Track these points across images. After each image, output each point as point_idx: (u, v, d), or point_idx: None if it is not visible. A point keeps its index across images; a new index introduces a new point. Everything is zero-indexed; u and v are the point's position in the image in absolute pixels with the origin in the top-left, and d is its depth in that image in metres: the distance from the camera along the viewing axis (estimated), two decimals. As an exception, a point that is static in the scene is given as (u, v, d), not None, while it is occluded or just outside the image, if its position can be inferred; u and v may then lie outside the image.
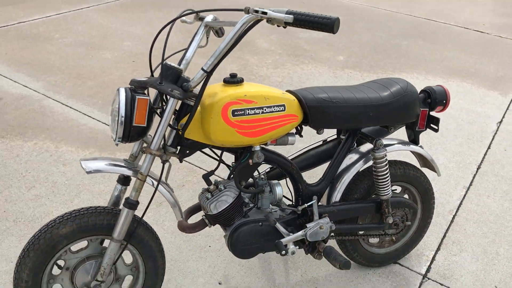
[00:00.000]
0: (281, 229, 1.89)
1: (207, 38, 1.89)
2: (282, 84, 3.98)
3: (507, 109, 3.92)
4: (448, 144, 3.36)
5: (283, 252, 1.86)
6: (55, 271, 1.76)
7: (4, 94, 3.47)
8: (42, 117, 3.23)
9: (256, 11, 1.49)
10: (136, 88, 1.65)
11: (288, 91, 1.91)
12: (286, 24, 1.48)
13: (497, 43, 5.31)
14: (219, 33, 2.01)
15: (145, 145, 1.76)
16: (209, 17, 1.87)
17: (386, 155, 2.00)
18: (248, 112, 1.70)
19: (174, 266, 2.21)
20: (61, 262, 1.75)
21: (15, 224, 2.35)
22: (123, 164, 1.70)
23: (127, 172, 1.68)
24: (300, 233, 1.91)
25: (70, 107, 3.38)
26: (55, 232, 1.65)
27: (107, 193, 2.59)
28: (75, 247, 1.87)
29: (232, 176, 1.86)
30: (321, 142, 2.19)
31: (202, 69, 1.62)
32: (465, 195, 2.85)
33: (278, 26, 1.54)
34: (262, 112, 1.72)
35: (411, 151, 2.13)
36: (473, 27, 5.78)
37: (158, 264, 1.83)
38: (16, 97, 3.45)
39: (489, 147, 3.36)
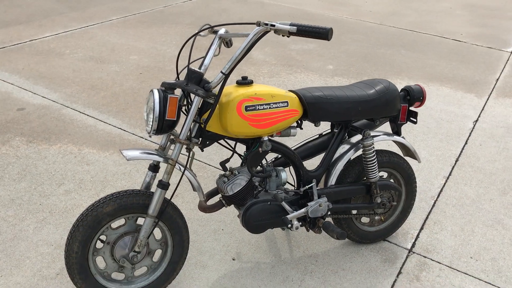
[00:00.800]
0: (287, 207, 2.24)
1: (219, 48, 2.25)
2: (278, 91, 4.34)
3: (482, 109, 4.33)
4: (429, 140, 3.74)
5: (289, 225, 2.21)
6: (98, 245, 2.09)
7: (26, 105, 3.80)
8: (63, 124, 3.56)
9: (266, 24, 1.86)
10: (166, 89, 2.00)
11: (290, 90, 2.27)
12: (290, 34, 1.85)
13: (473, 51, 5.75)
14: (229, 44, 2.37)
15: (172, 137, 2.10)
16: (222, 30, 2.23)
17: (373, 144, 2.36)
18: (258, 108, 2.06)
19: (193, 246, 2.54)
20: (103, 238, 2.06)
21: (51, 215, 2.67)
22: (155, 153, 2.05)
23: (159, 158, 2.02)
24: (302, 210, 2.26)
25: (88, 115, 3.72)
26: (100, 210, 1.98)
27: (128, 187, 2.92)
28: (115, 224, 2.20)
29: (244, 163, 2.21)
30: (317, 136, 2.55)
31: (222, 72, 1.98)
32: (445, 184, 3.22)
33: (283, 36, 1.90)
34: (270, 108, 2.08)
35: (394, 141, 2.50)
36: (451, 36, 6.23)
37: (184, 238, 2.17)
38: (38, 107, 3.78)
39: (466, 143, 3.75)
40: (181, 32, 5.67)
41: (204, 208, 2.26)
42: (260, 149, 2.15)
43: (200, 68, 2.11)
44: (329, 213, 2.40)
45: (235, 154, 2.28)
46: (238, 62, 1.97)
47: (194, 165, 3.18)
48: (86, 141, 3.38)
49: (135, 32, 5.57)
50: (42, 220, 2.63)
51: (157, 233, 2.45)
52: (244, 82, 2.09)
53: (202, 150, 2.15)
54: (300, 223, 2.31)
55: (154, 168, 2.13)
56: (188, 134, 2.06)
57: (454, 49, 5.78)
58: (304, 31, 1.79)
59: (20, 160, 3.12)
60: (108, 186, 2.93)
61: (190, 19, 6.15)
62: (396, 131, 2.53)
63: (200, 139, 2.11)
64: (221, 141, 2.33)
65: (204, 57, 2.16)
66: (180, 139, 1.99)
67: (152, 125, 1.95)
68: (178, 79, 2.08)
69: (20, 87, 4.06)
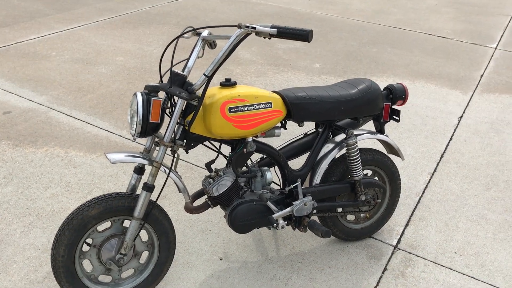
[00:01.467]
0: (272, 206, 2.26)
1: (203, 50, 2.26)
2: (265, 91, 4.37)
3: (467, 105, 4.38)
4: (414, 137, 3.79)
5: (274, 225, 2.23)
6: (85, 248, 2.10)
7: (12, 108, 3.79)
8: (50, 127, 3.56)
9: (247, 26, 1.88)
10: (150, 91, 2.02)
11: (274, 91, 2.29)
12: (271, 36, 1.87)
13: (458, 47, 5.81)
14: (212, 45, 2.39)
15: (157, 139, 2.12)
16: (205, 32, 2.24)
17: (356, 143, 2.39)
18: (242, 109, 2.08)
19: (181, 247, 2.56)
20: (89, 241, 2.08)
21: (38, 219, 2.67)
22: (140, 155, 2.06)
23: (143, 161, 2.04)
24: (288, 209, 2.28)
25: (74, 117, 3.72)
26: (85, 214, 1.99)
27: (115, 190, 2.93)
28: (101, 227, 2.21)
29: (229, 164, 2.23)
30: (302, 135, 2.58)
31: (204, 74, 2.00)
32: (430, 180, 3.27)
33: (264, 38, 1.93)
34: (253, 109, 2.10)
35: (378, 140, 2.53)
36: (437, 33, 6.28)
37: (170, 239, 2.18)
38: (24, 110, 3.77)
39: (451, 139, 3.80)
40: (168, 32, 5.67)
41: (190, 209, 2.28)
42: (244, 150, 2.18)
43: (183, 70, 2.12)
44: (314, 211, 2.43)
45: (220, 155, 2.30)
46: (220, 64, 1.99)
47: (181, 166, 3.19)
48: (73, 143, 3.38)
49: (122, 33, 5.56)
50: (29, 224, 2.63)
51: (144, 235, 2.46)
52: (228, 83, 2.11)
53: (187, 152, 2.17)
54: (286, 222, 2.33)
55: (140, 170, 2.14)
56: (173, 136, 2.08)
57: (440, 46, 5.83)
58: (285, 33, 1.81)
59: (7, 164, 3.11)
60: (95, 189, 2.94)
61: (177, 19, 6.15)
62: (380, 130, 2.56)
63: (185, 141, 2.13)
64: (206, 143, 2.35)
65: (188, 59, 2.18)
66: (164, 141, 2.01)
67: (136, 128, 1.97)
68: (162, 81, 2.10)
69: (5, 90, 4.04)
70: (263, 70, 4.83)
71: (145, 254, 2.41)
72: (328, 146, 2.46)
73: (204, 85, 2.02)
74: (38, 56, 4.78)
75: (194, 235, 2.65)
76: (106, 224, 2.42)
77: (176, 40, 2.11)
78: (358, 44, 5.74)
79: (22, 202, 2.79)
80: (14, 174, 3.02)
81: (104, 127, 3.62)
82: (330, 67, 5.03)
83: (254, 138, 2.22)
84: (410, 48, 5.68)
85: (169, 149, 2.27)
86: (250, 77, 4.65)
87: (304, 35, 1.80)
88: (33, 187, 2.92)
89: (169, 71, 2.04)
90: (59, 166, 3.13)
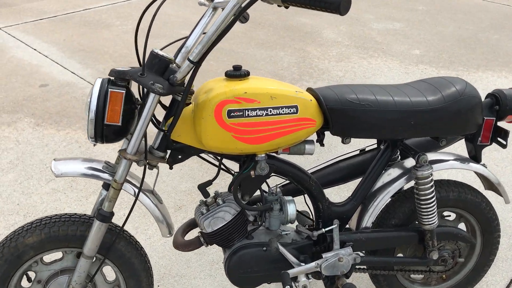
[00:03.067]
0: (290, 257, 1.56)
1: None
2: (343, 80, 3.57)
3: None
4: (535, 158, 2.78)
5: (288, 287, 1.52)
6: (25, 283, 1.56)
7: (51, 80, 3.42)
8: (81, 106, 3.12)
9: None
10: (116, 78, 1.39)
11: (309, 89, 1.55)
12: (284, 2, 1.14)
13: None
14: (241, 18, 1.71)
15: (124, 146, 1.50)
16: (219, -3, 1.56)
17: (431, 175, 1.58)
18: (248, 114, 1.39)
19: (179, 283, 1.95)
20: (32, 274, 1.54)
21: (24, 219, 2.22)
22: (100, 168, 1.46)
23: (101, 177, 1.44)
24: (313, 264, 1.56)
25: (112, 97, 3.24)
26: (20, 241, 1.45)
27: (127, 195, 2.38)
28: (48, 258, 1.66)
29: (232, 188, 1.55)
30: (356, 152, 1.81)
31: (188, 59, 1.33)
32: (549, 225, 2.31)
33: (279, 6, 1.20)
34: (267, 114, 1.40)
35: (470, 170, 1.69)
36: None
37: (142, 284, 1.58)
38: (62, 83, 3.37)
39: None
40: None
41: (177, 244, 1.64)
42: (252, 172, 1.48)
43: (179, 51, 1.48)
44: (358, 266, 1.68)
45: (225, 171, 1.63)
46: (212, 45, 1.31)
47: (184, 177, 2.57)
48: (99, 128, 2.90)
49: (195, 3, 5.02)
50: (12, 225, 2.18)
51: (110, 272, 1.81)
52: (235, 74, 1.42)
53: (171, 168, 1.53)
54: (311, 279, 1.61)
55: (109, 186, 1.54)
56: (151, 145, 1.46)
57: None
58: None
59: (19, 147, 2.71)
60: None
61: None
62: (474, 155, 1.71)
63: (168, 152, 1.49)
64: (203, 154, 1.62)
65: (188, 36, 1.53)
66: (126, 152, 1.39)
67: (88, 130, 1.37)
68: (141, 65, 1.46)
69: (52, 60, 3.69)
70: (346, 54, 4.00)
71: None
72: (391, 173, 1.67)
73: (190, 74, 1.36)
74: (101, 24, 4.40)
75: (200, 268, 2.02)
76: (57, 254, 1.74)
77: (161, 1, 1.46)
78: (475, 28, 4.64)
79: (16, 196, 2.36)
80: (22, 160, 2.61)
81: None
82: (433, 55, 4.05)
83: (272, 154, 1.52)
84: (544, 37, 4.47)
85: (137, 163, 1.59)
86: (329, 61, 3.86)
87: (333, 2, 1.05)
88: (35, 178, 2.48)
89: (146, 50, 1.41)
90: (73, 154, 2.67)
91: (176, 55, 1.51)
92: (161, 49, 1.55)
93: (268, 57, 3.88)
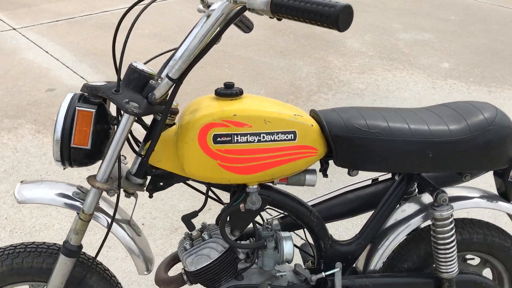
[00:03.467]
0: (282, 304, 1.36)
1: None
2: (364, 93, 3.35)
3: None
4: None
5: (279, 338, 1.32)
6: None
7: (58, 85, 3.30)
8: (85, 113, 2.99)
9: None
10: (89, 96, 1.23)
11: (312, 111, 1.36)
12: (273, 13, 0.95)
13: None
14: (244, 28, 1.55)
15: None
16: (216, 4, 1.39)
17: (451, 216, 1.36)
18: (237, 139, 1.20)
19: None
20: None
21: (10, 236, 2.08)
22: (69, 195, 1.30)
23: (70, 205, 1.28)
24: (308, 314, 1.36)
25: (119, 104, 3.11)
26: (-24, 273, 1.30)
27: (131, 208, 2.22)
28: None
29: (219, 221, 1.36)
30: (369, 182, 1.60)
31: (167, 76, 1.16)
32: None
33: (270, 18, 1.01)
34: (259, 141, 1.21)
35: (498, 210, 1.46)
36: None
37: (116, 326, 1.40)
38: (69, 88, 3.25)
39: None
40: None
41: (158, 280, 1.46)
42: (242, 205, 1.29)
43: (166, 63, 1.32)
44: (363, 315, 1.46)
45: (213, 201, 1.45)
46: (195, 60, 1.13)
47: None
48: (102, 137, 2.76)
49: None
50: (-4, 241, 2.05)
51: None
52: (225, 92, 1.24)
53: (150, 196, 1.35)
54: (307, 328, 1.40)
55: (84, 211, 1.37)
56: (129, 170, 1.30)
57: None
58: (290, 9, 0.88)
59: (16, 155, 2.58)
60: (101, 203, 2.26)
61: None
62: (504, 192, 1.47)
63: (148, 178, 1.32)
64: (189, 181, 1.41)
65: (179, 47, 1.38)
66: (96, 180, 1.22)
67: (53, 152, 1.21)
68: (120, 79, 1.30)
69: (63, 64, 3.58)
70: (370, 65, 3.77)
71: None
72: (405, 209, 1.46)
73: (170, 94, 1.18)
74: (116, 28, 4.28)
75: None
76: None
77: (141, 3, 1.30)
78: (511, 41, 4.34)
79: (5, 209, 2.22)
80: (17, 169, 2.48)
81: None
82: (463, 68, 3.79)
83: (268, 184, 1.33)
84: None
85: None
86: (351, 72, 3.64)
87: (329, 16, 0.85)
88: (28, 190, 2.34)
89: (122, 62, 1.24)
90: (71, 165, 2.52)
91: (161, 70, 1.34)
92: (146, 63, 1.39)
93: (286, 66, 3.68)
